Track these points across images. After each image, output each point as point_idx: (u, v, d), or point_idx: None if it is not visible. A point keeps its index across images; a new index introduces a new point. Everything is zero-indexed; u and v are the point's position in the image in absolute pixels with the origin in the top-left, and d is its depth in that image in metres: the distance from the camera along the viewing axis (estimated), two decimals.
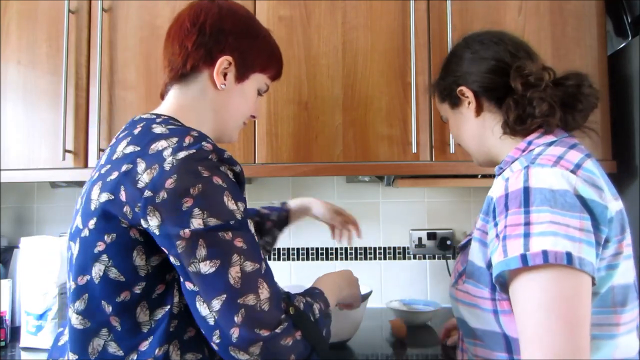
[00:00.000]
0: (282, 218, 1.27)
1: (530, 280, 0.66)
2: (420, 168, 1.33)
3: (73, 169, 1.36)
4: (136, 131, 0.76)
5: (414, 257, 1.73)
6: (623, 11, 1.41)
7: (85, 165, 1.36)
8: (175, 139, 0.71)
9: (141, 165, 0.69)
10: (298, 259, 1.75)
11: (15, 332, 1.37)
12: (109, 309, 0.70)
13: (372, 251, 1.74)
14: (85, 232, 0.72)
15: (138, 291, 0.70)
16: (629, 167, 1.31)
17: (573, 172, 0.71)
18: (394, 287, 1.72)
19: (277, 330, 0.67)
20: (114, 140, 0.81)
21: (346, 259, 1.74)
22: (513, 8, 1.34)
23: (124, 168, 0.71)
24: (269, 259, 1.73)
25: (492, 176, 0.92)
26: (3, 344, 1.33)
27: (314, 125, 1.34)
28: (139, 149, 0.72)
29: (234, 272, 0.66)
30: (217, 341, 0.66)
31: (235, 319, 0.65)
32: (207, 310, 0.66)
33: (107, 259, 0.70)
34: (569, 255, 0.64)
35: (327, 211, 1.28)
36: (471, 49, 0.89)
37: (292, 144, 1.33)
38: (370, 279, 1.71)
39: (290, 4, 1.35)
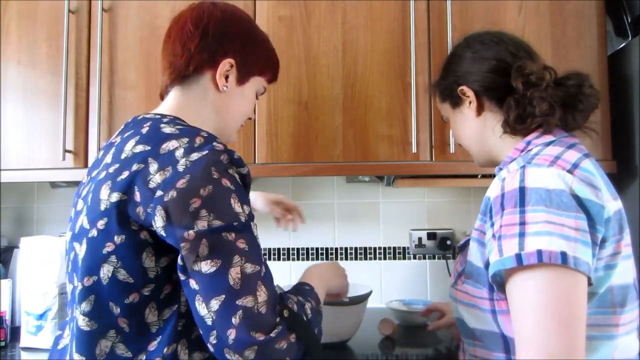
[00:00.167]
0: None
1: (525, 279, 0.66)
2: (420, 168, 1.33)
3: (73, 169, 1.36)
4: (144, 130, 0.76)
5: (414, 257, 1.73)
6: (623, 11, 1.41)
7: (85, 165, 1.36)
8: (186, 140, 0.71)
9: (153, 166, 0.70)
10: (298, 259, 1.75)
11: (15, 332, 1.37)
12: (116, 310, 0.70)
13: (372, 251, 1.74)
14: (94, 233, 0.71)
15: (147, 293, 0.70)
16: (629, 167, 1.31)
17: (570, 171, 0.71)
18: (394, 287, 1.72)
19: (272, 335, 0.67)
20: (117, 139, 0.81)
21: (346, 259, 1.74)
22: (513, 8, 1.34)
23: (135, 167, 0.70)
24: (269, 259, 1.73)
25: (492, 176, 0.92)
26: (3, 344, 1.33)
27: (314, 125, 1.34)
28: (149, 148, 0.72)
29: (234, 273, 0.67)
30: (214, 342, 0.66)
31: (233, 320, 0.65)
32: (205, 310, 0.66)
33: (116, 260, 0.70)
34: (563, 255, 0.64)
35: (266, 204, 1.30)
36: (472, 49, 0.89)
37: (292, 144, 1.34)
38: (370, 279, 1.71)
39: (290, 4, 1.35)
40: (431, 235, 1.72)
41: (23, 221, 1.80)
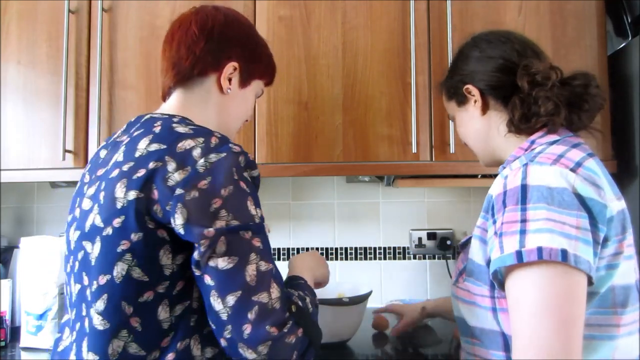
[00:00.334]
0: None
1: (524, 276, 0.66)
2: (420, 168, 1.33)
3: (73, 169, 1.36)
4: (156, 129, 0.77)
5: (414, 257, 1.73)
6: (623, 11, 1.41)
7: (85, 165, 1.35)
8: (201, 139, 0.73)
9: (171, 164, 0.71)
10: None
11: (15, 332, 1.37)
12: (129, 309, 0.71)
13: (372, 251, 1.74)
14: (108, 231, 0.72)
15: (161, 290, 0.71)
16: (629, 167, 1.31)
17: (573, 170, 0.71)
18: (394, 287, 1.72)
19: (285, 330, 0.70)
20: (123, 138, 0.82)
21: (346, 259, 1.74)
22: (513, 8, 1.34)
23: (151, 165, 0.71)
24: None
25: (492, 176, 0.92)
26: (3, 344, 1.33)
27: (314, 125, 1.34)
28: (165, 147, 0.73)
29: (251, 270, 0.70)
30: (228, 336, 0.68)
31: (249, 315, 0.68)
32: (221, 305, 0.68)
33: (131, 258, 0.70)
34: (564, 252, 0.64)
35: None
36: (479, 48, 0.90)
37: (292, 144, 1.34)
38: (370, 279, 1.71)
39: (290, 4, 1.35)
40: (431, 235, 1.71)
41: (23, 221, 1.80)
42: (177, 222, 0.69)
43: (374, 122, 1.33)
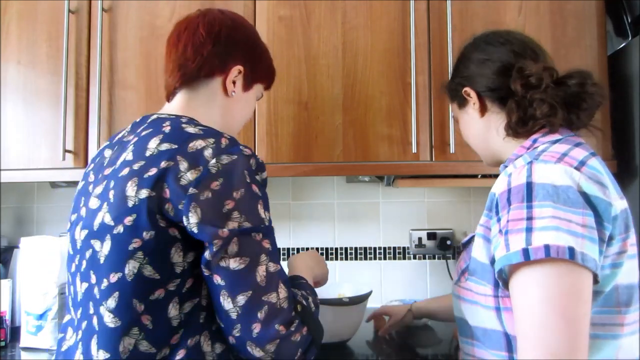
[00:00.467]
0: None
1: (531, 274, 0.66)
2: (420, 168, 1.33)
3: (73, 169, 1.36)
4: (166, 129, 0.78)
5: (414, 257, 1.73)
6: (623, 11, 1.41)
7: (85, 165, 1.35)
8: (212, 140, 0.75)
9: (183, 164, 0.72)
10: None
11: (15, 332, 1.37)
12: (140, 307, 0.71)
13: (372, 251, 1.74)
14: (119, 229, 0.72)
15: (172, 288, 0.72)
16: (629, 167, 1.31)
17: (577, 168, 0.71)
18: (394, 287, 1.72)
19: (292, 328, 0.72)
20: (130, 137, 0.82)
21: (346, 259, 1.74)
22: (513, 8, 1.34)
23: (163, 164, 0.72)
24: None
25: (492, 176, 0.92)
26: (3, 344, 1.33)
27: (314, 125, 1.34)
28: (176, 146, 0.74)
29: (261, 271, 0.72)
30: (237, 335, 0.70)
31: (259, 314, 0.70)
32: (231, 304, 0.70)
33: (142, 257, 0.71)
34: (571, 250, 0.64)
35: None
36: (477, 50, 0.90)
37: (292, 144, 1.34)
38: (370, 279, 1.71)
39: (290, 4, 1.35)
40: (431, 235, 1.71)
41: (23, 221, 1.80)
42: (192, 220, 0.70)
43: (374, 122, 1.33)
